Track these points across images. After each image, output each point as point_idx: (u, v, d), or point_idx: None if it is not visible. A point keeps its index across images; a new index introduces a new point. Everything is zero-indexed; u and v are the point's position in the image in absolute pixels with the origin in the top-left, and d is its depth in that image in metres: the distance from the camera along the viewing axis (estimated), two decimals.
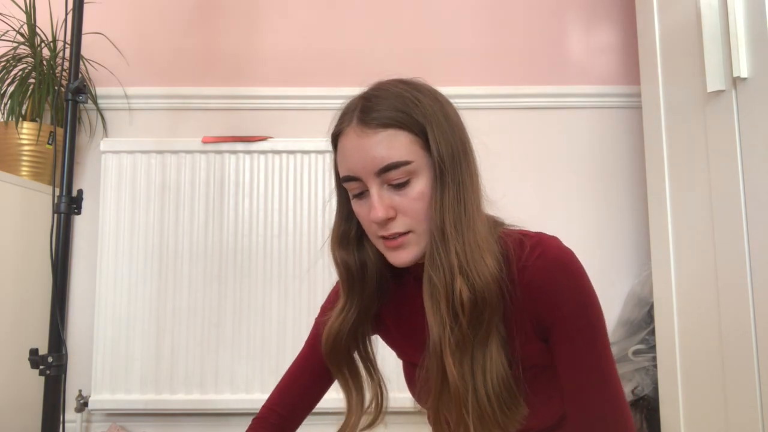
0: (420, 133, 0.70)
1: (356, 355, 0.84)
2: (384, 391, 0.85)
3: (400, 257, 0.72)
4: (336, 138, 0.76)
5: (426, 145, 0.71)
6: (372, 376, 0.85)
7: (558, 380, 0.73)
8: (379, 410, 0.84)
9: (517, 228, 0.78)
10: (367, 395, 0.84)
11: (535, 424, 0.79)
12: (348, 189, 0.75)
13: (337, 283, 0.85)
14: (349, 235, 0.80)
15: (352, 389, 0.83)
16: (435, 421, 0.75)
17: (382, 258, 0.77)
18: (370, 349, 0.85)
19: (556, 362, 0.73)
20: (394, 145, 0.69)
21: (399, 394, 0.90)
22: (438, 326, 0.70)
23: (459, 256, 0.69)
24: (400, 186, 0.70)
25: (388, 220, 0.70)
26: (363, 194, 0.73)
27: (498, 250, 0.72)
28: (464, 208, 0.71)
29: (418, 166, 0.70)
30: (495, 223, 0.77)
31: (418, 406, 0.88)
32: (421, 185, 0.70)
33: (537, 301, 0.70)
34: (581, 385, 0.71)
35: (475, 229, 0.70)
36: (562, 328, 0.71)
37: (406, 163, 0.69)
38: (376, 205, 0.70)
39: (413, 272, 0.79)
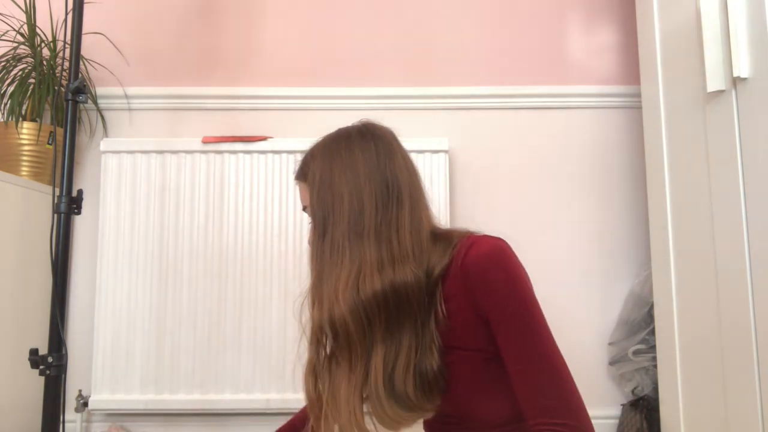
0: (309, 183, 0.89)
1: None
2: None
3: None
4: None
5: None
6: None
7: (506, 371, 0.79)
8: None
9: (470, 232, 0.88)
10: None
11: (486, 416, 0.86)
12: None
13: None
14: None
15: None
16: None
17: None
18: None
19: (500, 351, 0.79)
20: (302, 192, 0.92)
21: None
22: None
23: (315, 285, 0.84)
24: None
25: None
26: None
27: (437, 255, 0.83)
28: (329, 246, 0.84)
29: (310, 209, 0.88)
30: (446, 237, 0.86)
31: None
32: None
33: (471, 289, 0.79)
34: (524, 367, 0.77)
35: (336, 262, 0.82)
36: (496, 314, 0.78)
37: (305, 207, 0.91)
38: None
39: None
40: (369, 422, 0.82)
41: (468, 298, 0.80)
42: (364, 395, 0.82)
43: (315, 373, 0.85)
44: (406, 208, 0.84)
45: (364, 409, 0.82)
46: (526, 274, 0.82)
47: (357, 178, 0.84)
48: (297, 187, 0.97)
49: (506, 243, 0.82)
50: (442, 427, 0.92)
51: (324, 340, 0.82)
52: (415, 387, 0.79)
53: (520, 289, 0.79)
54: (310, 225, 0.88)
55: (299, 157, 0.93)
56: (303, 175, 0.90)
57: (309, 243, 0.87)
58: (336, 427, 0.82)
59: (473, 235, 0.85)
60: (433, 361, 0.80)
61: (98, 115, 1.79)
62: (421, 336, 0.80)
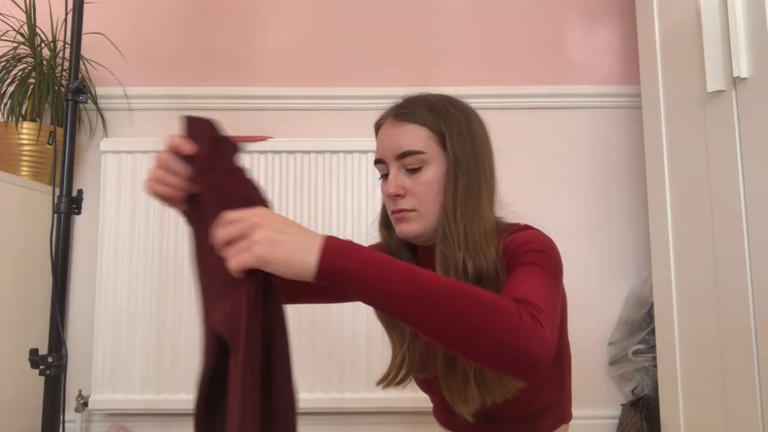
0: (438, 133, 0.85)
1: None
2: (411, 353, 0.93)
3: (403, 228, 0.86)
4: (377, 129, 0.93)
5: (443, 143, 0.85)
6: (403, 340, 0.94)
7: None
8: (408, 365, 0.93)
9: (514, 223, 0.90)
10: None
11: (516, 409, 0.88)
12: (378, 171, 0.91)
13: None
14: (388, 218, 0.93)
15: (396, 341, 0.94)
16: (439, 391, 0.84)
17: (408, 244, 0.92)
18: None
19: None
20: (414, 136, 0.85)
21: (401, 394, 0.91)
22: None
23: (467, 237, 0.81)
24: (413, 171, 0.85)
25: (398, 197, 0.85)
26: (387, 176, 0.88)
27: (496, 241, 0.83)
28: (477, 201, 0.83)
29: (431, 158, 0.85)
30: (500, 223, 0.88)
31: (419, 405, 0.93)
32: (431, 173, 0.85)
33: (506, 255, 0.80)
34: (519, 280, 0.75)
35: (483, 218, 0.83)
36: (516, 257, 0.79)
37: (420, 152, 0.84)
38: (390, 182, 0.86)
39: (422, 255, 0.93)
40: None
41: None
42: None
43: None
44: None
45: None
46: (559, 255, 0.82)
47: (487, 142, 0.90)
48: (387, 129, 0.88)
49: (549, 236, 0.84)
50: (457, 420, 0.90)
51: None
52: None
53: (546, 247, 0.80)
54: (394, 170, 0.86)
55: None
56: (426, 119, 0.86)
57: (397, 190, 0.84)
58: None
59: (517, 224, 0.87)
60: None
61: (98, 115, 1.79)
62: None
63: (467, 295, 0.64)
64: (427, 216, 0.85)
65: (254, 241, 0.60)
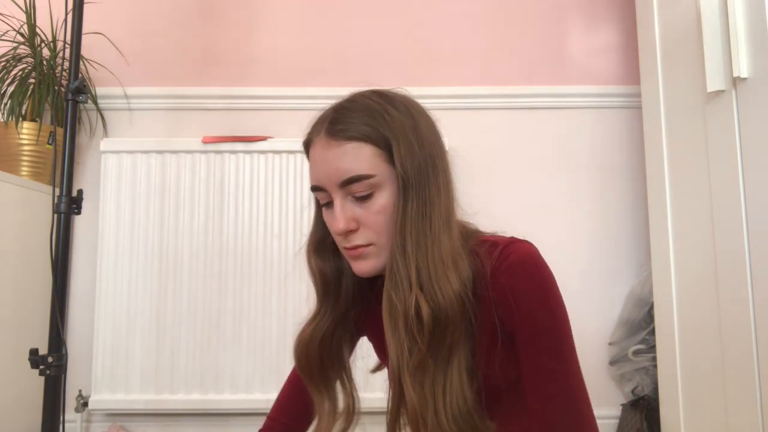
0: (385, 146, 0.70)
1: (330, 363, 0.82)
2: (355, 400, 0.83)
3: (361, 267, 0.73)
4: (307, 147, 0.77)
5: (391, 158, 0.70)
6: (344, 385, 0.83)
7: (522, 385, 0.71)
8: (350, 418, 0.82)
9: (492, 234, 0.77)
10: (340, 401, 0.82)
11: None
12: (317, 198, 0.76)
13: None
14: (326, 242, 0.79)
15: (325, 397, 0.82)
16: None
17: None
18: (345, 356, 0.84)
19: (520, 367, 0.71)
20: (358, 158, 0.70)
21: (375, 394, 0.90)
22: (396, 347, 0.69)
23: (420, 272, 0.68)
24: (363, 199, 0.71)
25: (350, 232, 0.71)
26: (330, 204, 0.73)
27: (467, 265, 0.71)
28: (429, 224, 0.69)
29: (382, 180, 0.70)
30: (469, 234, 0.76)
31: None
32: (383, 199, 0.71)
33: (501, 303, 0.69)
34: (542, 388, 0.69)
35: (439, 245, 0.69)
36: (525, 330, 0.69)
37: (369, 176, 0.69)
38: (337, 217, 0.71)
39: (379, 291, 0.78)
40: None
41: (492, 312, 0.70)
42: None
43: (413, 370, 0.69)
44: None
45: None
46: (556, 284, 0.72)
47: (437, 142, 0.75)
48: (322, 153, 0.72)
49: (538, 252, 0.72)
50: None
51: (415, 340, 0.68)
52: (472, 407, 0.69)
53: (553, 302, 0.70)
54: (339, 200, 0.71)
55: (335, 115, 0.73)
56: (367, 132, 0.70)
57: (347, 224, 0.71)
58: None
59: (499, 237, 0.74)
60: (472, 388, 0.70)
61: (98, 115, 1.79)
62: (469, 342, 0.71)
63: None
64: (386, 250, 0.72)
65: None
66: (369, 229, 0.71)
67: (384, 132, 0.70)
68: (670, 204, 1.47)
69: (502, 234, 0.76)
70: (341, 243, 0.74)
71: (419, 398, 0.68)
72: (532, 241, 0.73)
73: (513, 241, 0.72)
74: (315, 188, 0.74)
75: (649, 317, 1.62)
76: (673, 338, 1.43)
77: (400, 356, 0.68)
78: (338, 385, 0.82)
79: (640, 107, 1.65)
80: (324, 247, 0.80)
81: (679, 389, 1.41)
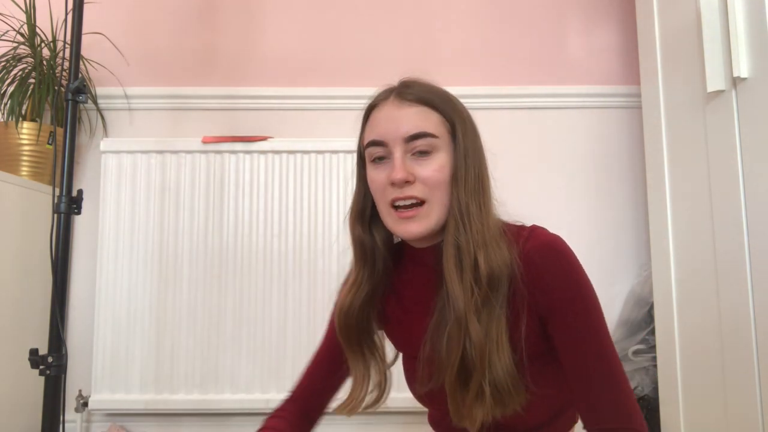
0: (449, 121, 0.78)
1: (364, 331, 0.86)
2: (388, 374, 0.88)
3: (411, 228, 0.76)
4: (370, 111, 0.83)
5: (452, 132, 0.78)
6: (376, 357, 0.87)
7: (563, 368, 0.75)
8: (383, 390, 0.87)
9: (513, 222, 0.83)
10: (373, 375, 0.87)
11: (530, 418, 0.80)
12: (369, 155, 0.79)
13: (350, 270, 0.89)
14: (365, 212, 0.84)
15: (360, 364, 0.86)
16: (443, 403, 0.76)
17: (387, 244, 0.84)
18: (376, 333, 0.88)
19: (558, 350, 0.75)
20: (427, 118, 0.77)
21: (398, 394, 0.90)
22: (462, 291, 0.73)
23: (481, 234, 0.74)
24: (423, 154, 0.76)
25: (406, 183, 0.75)
26: (383, 160, 0.78)
27: (505, 240, 0.76)
28: (483, 197, 0.78)
29: (442, 144, 0.77)
30: (501, 222, 0.82)
31: (417, 405, 0.89)
32: (442, 160, 0.76)
33: (533, 285, 0.74)
34: (583, 369, 0.73)
35: (491, 215, 0.78)
36: (559, 314, 0.74)
37: (434, 136, 0.76)
38: (397, 166, 0.75)
39: (418, 258, 0.83)
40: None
41: (524, 293, 0.74)
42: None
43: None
44: None
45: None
46: (582, 266, 0.77)
47: (482, 143, 0.84)
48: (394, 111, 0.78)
49: (560, 237, 0.78)
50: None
51: (482, 282, 0.73)
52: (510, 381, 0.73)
53: (584, 284, 0.75)
54: (399, 154, 0.76)
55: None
56: (436, 103, 0.78)
57: (406, 176, 0.74)
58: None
59: (520, 224, 0.81)
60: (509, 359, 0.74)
61: (98, 115, 1.79)
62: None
63: None
64: (438, 209, 0.76)
65: None
66: (426, 185, 0.75)
67: (449, 110, 0.79)
68: (670, 204, 1.47)
69: (521, 223, 0.82)
70: (392, 196, 0.76)
71: (485, 336, 0.72)
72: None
73: (538, 227, 0.79)
74: (373, 143, 0.78)
75: (649, 317, 1.62)
76: (673, 338, 1.43)
77: (468, 300, 0.73)
78: (371, 359, 0.87)
79: (640, 107, 1.65)
80: (363, 218, 0.84)
81: (679, 389, 1.41)
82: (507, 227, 0.79)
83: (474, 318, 0.72)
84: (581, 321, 0.74)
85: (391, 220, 0.78)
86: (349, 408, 0.86)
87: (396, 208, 0.76)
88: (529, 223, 0.82)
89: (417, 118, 0.76)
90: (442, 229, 0.77)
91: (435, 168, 0.76)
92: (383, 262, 0.84)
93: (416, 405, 0.90)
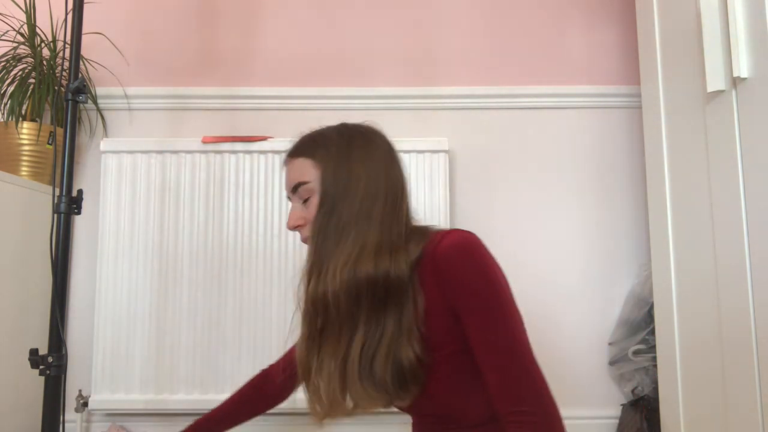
0: (319, 162, 0.90)
1: None
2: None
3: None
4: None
5: (323, 170, 0.89)
6: None
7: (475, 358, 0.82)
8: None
9: (442, 228, 0.90)
10: None
11: (470, 411, 0.88)
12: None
13: None
14: None
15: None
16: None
17: None
18: None
19: (468, 339, 0.82)
20: (300, 169, 0.91)
21: None
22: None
23: (318, 262, 0.85)
24: (305, 201, 0.91)
25: (298, 227, 0.92)
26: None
27: (407, 250, 0.85)
28: (371, 215, 0.86)
29: (316, 186, 0.89)
30: (421, 230, 0.90)
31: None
32: (315, 200, 0.89)
33: (442, 281, 0.82)
34: (490, 354, 0.80)
35: (344, 242, 0.85)
36: (465, 306, 0.81)
37: (305, 182, 0.90)
38: (289, 215, 0.92)
39: None
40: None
41: (439, 292, 0.82)
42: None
43: (308, 344, 0.88)
44: (405, 202, 0.91)
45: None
46: (497, 265, 0.84)
47: (376, 165, 0.89)
48: (286, 167, 0.95)
49: (476, 236, 0.84)
50: (426, 427, 0.94)
51: (316, 313, 0.85)
52: (392, 376, 0.82)
53: (490, 279, 0.81)
54: (295, 203, 0.92)
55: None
56: (309, 151, 0.91)
57: (295, 222, 0.91)
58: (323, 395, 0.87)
59: (444, 230, 0.88)
60: (411, 354, 0.82)
61: (98, 115, 1.79)
62: (404, 327, 0.83)
63: None
64: None
65: None
66: (310, 225, 0.89)
67: (319, 150, 0.91)
68: (670, 204, 1.47)
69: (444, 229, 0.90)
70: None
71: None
72: (471, 234, 0.85)
73: (454, 230, 0.86)
74: (288, 197, 0.95)
75: (649, 317, 1.62)
76: (673, 338, 1.43)
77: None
78: None
79: (640, 107, 1.65)
80: None
81: (679, 389, 1.41)
82: (430, 233, 0.87)
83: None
84: (487, 313, 0.80)
85: None
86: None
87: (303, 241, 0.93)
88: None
89: (294, 170, 0.92)
90: None
91: (311, 210, 0.89)
92: None
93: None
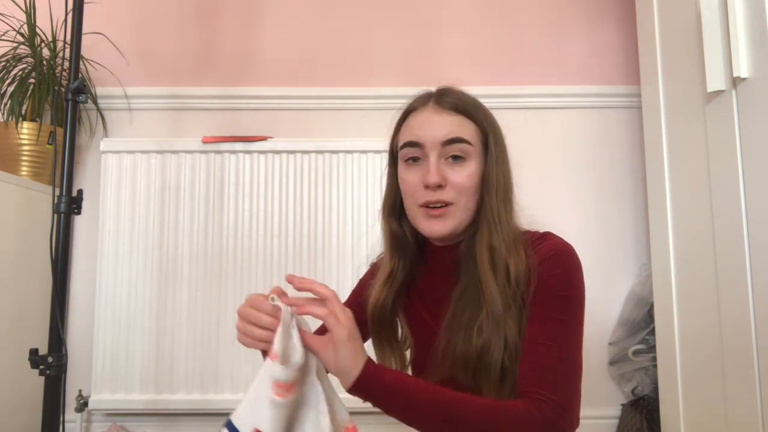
0: (483, 131, 0.85)
1: (393, 324, 0.93)
2: (405, 358, 0.94)
3: (435, 228, 0.82)
4: (407, 114, 0.88)
5: (485, 141, 0.85)
6: (396, 354, 0.93)
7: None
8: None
9: (528, 229, 0.89)
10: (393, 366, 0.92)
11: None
12: (403, 155, 0.85)
13: (371, 266, 0.98)
14: (396, 208, 0.90)
15: (379, 358, 0.92)
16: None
17: (415, 238, 0.89)
18: (399, 323, 0.94)
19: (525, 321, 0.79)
20: (463, 126, 0.83)
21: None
22: (498, 293, 0.79)
23: (508, 241, 0.81)
24: (456, 160, 0.82)
25: (438, 187, 0.81)
26: (417, 161, 0.84)
27: (523, 245, 0.83)
28: (509, 204, 0.86)
29: (474, 152, 0.83)
30: (518, 226, 0.88)
31: None
32: (473, 168, 0.83)
33: (534, 280, 0.79)
34: (535, 339, 0.77)
35: (514, 223, 0.85)
36: (539, 294, 0.78)
37: (469, 143, 0.83)
38: (433, 170, 0.81)
39: (438, 255, 0.89)
40: None
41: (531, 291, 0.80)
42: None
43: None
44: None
45: None
46: (581, 271, 0.82)
47: (507, 153, 0.90)
48: (437, 118, 0.84)
49: (568, 243, 0.84)
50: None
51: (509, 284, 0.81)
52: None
53: (574, 283, 0.79)
54: (432, 158, 0.82)
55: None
56: (473, 114, 0.85)
57: (442, 181, 0.81)
58: None
59: (536, 231, 0.87)
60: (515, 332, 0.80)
61: (98, 115, 1.79)
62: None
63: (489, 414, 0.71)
64: (463, 213, 0.82)
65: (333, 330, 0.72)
66: (455, 190, 0.82)
67: (483, 120, 0.85)
68: (670, 204, 1.47)
69: (536, 230, 0.88)
70: (422, 198, 0.82)
71: (517, 332, 0.78)
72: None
73: (550, 234, 0.86)
74: (410, 144, 0.84)
75: (649, 317, 1.62)
76: (673, 338, 1.43)
77: (504, 299, 0.79)
78: (391, 356, 0.92)
79: (640, 107, 1.65)
80: (395, 213, 0.90)
81: (679, 389, 1.41)
82: (524, 233, 0.85)
83: (509, 317, 0.78)
84: (554, 308, 0.77)
85: (418, 217, 0.84)
86: None
87: (426, 206, 0.82)
88: (543, 229, 0.88)
89: (454, 125, 0.83)
90: (461, 232, 0.84)
91: (466, 175, 0.82)
92: (412, 255, 0.90)
93: None
